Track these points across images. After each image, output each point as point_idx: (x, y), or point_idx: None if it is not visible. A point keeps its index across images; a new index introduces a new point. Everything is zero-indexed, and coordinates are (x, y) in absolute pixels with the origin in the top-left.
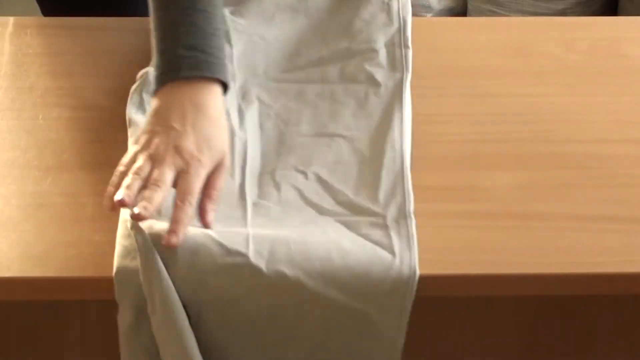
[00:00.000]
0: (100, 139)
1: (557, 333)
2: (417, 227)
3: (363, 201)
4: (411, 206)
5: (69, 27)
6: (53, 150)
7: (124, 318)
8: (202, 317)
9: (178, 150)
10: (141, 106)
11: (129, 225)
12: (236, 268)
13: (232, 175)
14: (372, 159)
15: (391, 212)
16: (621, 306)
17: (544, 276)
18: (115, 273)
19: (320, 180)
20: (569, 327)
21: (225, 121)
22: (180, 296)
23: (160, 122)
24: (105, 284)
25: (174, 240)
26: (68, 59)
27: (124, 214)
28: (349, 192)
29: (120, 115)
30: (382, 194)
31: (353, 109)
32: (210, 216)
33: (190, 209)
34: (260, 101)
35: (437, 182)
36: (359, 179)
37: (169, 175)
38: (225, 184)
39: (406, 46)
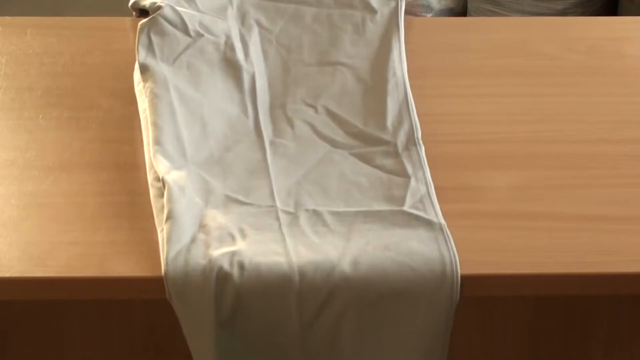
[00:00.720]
0: (100, 139)
1: (557, 333)
2: None
3: (372, 131)
4: (419, 133)
5: (69, 27)
6: (53, 150)
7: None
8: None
9: None
10: (150, 48)
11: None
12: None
13: (245, 112)
14: (376, 86)
15: (400, 140)
16: (621, 306)
17: (544, 276)
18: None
19: (330, 112)
20: (569, 328)
21: None
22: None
23: None
24: (105, 284)
25: None
26: (68, 59)
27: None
28: (358, 122)
29: (120, 115)
30: (389, 122)
31: (351, 36)
32: None
33: None
34: (260, 25)
35: (436, 182)
36: (365, 108)
37: None
38: (240, 122)
39: None
